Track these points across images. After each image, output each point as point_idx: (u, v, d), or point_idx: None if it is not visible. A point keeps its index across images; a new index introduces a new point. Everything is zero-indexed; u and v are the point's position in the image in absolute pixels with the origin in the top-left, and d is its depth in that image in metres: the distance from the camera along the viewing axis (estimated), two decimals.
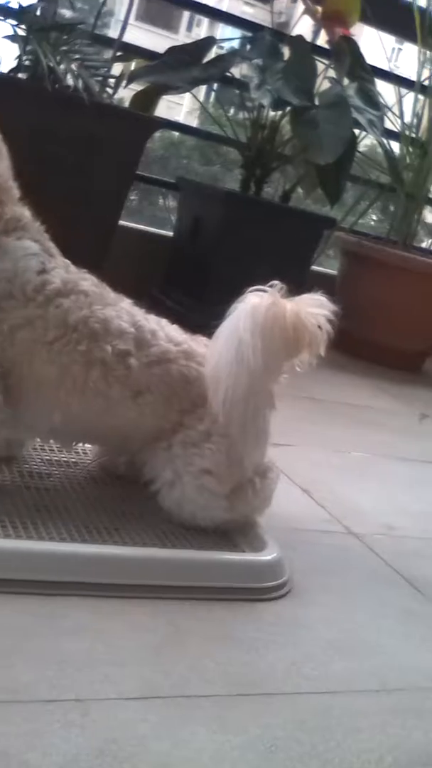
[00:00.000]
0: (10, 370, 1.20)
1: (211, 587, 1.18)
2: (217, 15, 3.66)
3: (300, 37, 2.92)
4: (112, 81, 2.62)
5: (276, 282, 1.20)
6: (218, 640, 1.09)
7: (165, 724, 0.90)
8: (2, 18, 2.51)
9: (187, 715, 0.93)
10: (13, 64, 2.50)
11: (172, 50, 2.93)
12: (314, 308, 1.22)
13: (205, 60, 2.90)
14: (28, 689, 0.89)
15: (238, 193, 2.99)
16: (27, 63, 2.46)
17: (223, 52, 3.03)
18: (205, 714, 0.94)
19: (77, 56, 2.44)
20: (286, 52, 2.91)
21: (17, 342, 1.19)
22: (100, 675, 0.95)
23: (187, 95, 3.18)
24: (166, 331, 1.29)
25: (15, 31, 2.46)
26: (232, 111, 3.27)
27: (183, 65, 2.85)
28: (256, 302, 1.20)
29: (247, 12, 3.98)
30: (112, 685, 0.94)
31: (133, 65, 3.01)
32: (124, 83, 2.80)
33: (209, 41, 3.01)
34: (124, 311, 1.26)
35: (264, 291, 1.21)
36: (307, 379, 1.31)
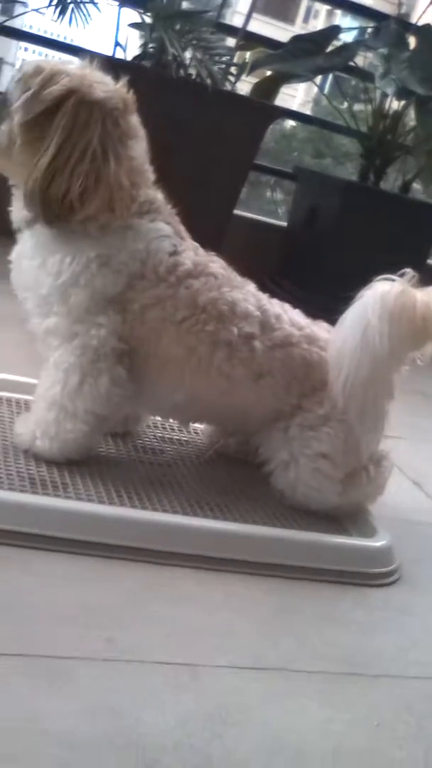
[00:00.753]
0: (138, 349, 1.23)
1: (321, 569, 1.20)
2: (342, 4, 3.63)
3: (427, 27, 2.87)
4: (234, 69, 2.64)
5: (408, 270, 1.19)
6: (326, 619, 1.11)
7: (273, 694, 0.93)
8: (129, 5, 2.57)
9: (295, 688, 0.95)
10: (138, 51, 2.56)
11: (296, 39, 2.93)
12: None
13: (328, 49, 2.89)
14: (141, 651, 0.93)
15: (358, 183, 2.97)
16: (152, 50, 2.51)
17: (340, 43, 3.00)
18: (313, 688, 0.95)
19: (202, 44, 2.47)
20: (411, 41, 2.87)
21: (147, 321, 1.22)
22: (209, 643, 0.98)
23: (301, 87, 3.16)
24: (290, 316, 1.30)
25: (142, 19, 2.51)
26: (345, 103, 3.23)
27: (306, 54, 2.84)
28: (386, 289, 1.19)
29: (367, 3, 3.93)
30: (220, 653, 0.97)
31: (247, 55, 3.02)
32: (246, 71, 2.82)
33: (334, 30, 3.00)
34: (250, 294, 1.28)
35: (393, 279, 1.21)
36: (420, 374, 1.30)
